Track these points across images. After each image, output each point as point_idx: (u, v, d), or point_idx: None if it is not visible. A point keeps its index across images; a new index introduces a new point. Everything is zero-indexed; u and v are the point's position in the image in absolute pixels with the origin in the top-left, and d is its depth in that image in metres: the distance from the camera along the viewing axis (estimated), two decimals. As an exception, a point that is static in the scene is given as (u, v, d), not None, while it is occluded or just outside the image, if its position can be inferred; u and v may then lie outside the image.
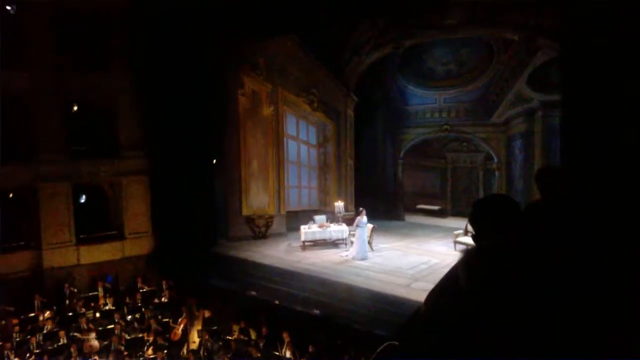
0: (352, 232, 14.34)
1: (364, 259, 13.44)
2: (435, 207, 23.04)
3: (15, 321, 11.06)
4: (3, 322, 11.14)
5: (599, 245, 2.05)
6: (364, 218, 13.68)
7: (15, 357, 10.17)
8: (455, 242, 14.71)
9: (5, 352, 10.15)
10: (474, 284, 1.93)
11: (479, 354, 1.82)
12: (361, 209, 14.08)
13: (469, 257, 2.15)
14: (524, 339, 1.77)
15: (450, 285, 2.10)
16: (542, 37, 14.14)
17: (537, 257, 1.92)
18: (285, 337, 9.80)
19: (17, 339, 10.67)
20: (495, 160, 20.18)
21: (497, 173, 20.36)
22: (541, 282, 1.83)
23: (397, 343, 2.13)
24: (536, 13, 13.43)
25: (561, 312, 1.79)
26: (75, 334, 11.04)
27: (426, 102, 20.82)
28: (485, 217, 2.07)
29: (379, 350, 2.12)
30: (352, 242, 14.69)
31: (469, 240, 14.30)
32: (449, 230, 16.57)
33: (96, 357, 10.45)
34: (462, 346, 1.88)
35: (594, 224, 2.26)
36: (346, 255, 13.79)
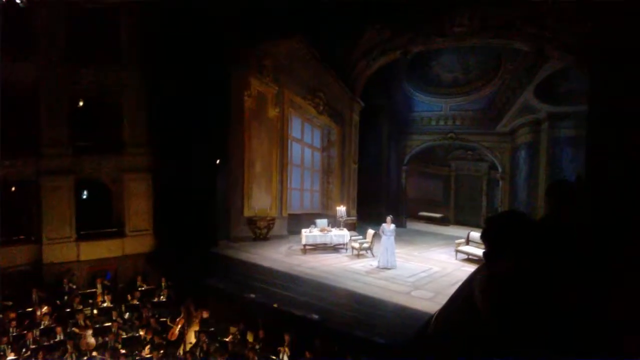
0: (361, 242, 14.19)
1: (386, 267, 12.95)
2: (438, 215, 22.96)
3: (12, 315, 11.00)
4: (0, 316, 11.10)
5: (616, 268, 1.99)
6: (391, 226, 13.27)
7: (11, 352, 10.13)
8: (457, 251, 14.63)
9: (2, 346, 10.12)
10: (493, 312, 1.87)
11: None
12: (390, 216, 13.75)
13: (487, 286, 2.08)
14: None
15: (462, 303, 2.05)
16: (552, 49, 14.09)
17: (552, 283, 1.87)
18: (287, 338, 9.73)
19: (14, 334, 10.61)
20: (500, 169, 20.11)
21: (501, 183, 20.30)
22: (556, 305, 1.78)
23: None
24: (547, 25, 13.38)
25: (578, 334, 1.74)
26: (74, 329, 11.00)
27: (432, 109, 20.79)
28: (501, 236, 2.01)
29: None
30: (352, 248, 14.67)
31: (470, 249, 14.22)
32: (451, 239, 16.50)
33: (95, 354, 10.41)
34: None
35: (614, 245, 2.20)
36: (377, 267, 13.15)
